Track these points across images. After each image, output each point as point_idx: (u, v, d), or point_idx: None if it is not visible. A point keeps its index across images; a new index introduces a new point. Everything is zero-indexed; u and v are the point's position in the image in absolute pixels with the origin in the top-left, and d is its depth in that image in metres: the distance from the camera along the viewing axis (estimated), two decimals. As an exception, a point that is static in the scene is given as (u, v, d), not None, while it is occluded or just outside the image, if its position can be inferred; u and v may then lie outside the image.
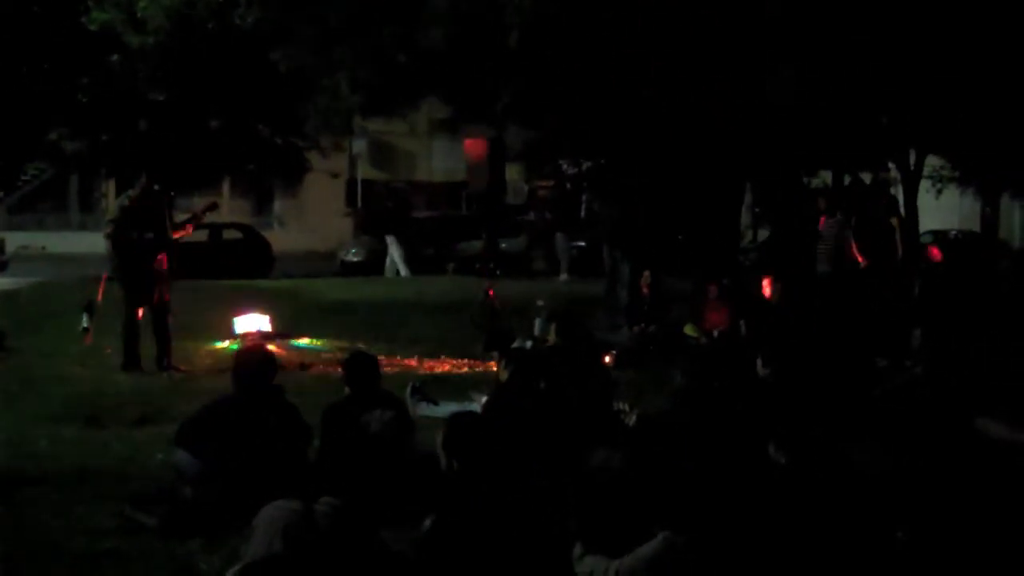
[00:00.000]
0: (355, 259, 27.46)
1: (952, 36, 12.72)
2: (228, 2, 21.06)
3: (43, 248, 32.47)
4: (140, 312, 10.75)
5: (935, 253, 18.20)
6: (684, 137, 14.12)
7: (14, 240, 27.74)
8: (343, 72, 14.99)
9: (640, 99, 13.22)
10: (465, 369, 11.30)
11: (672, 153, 14.58)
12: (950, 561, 4.72)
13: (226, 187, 33.33)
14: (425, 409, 8.65)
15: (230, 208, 32.55)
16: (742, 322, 11.98)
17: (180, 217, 11.47)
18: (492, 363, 10.12)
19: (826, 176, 23.95)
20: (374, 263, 25.26)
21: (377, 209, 33.82)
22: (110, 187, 33.00)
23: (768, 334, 10.83)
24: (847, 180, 22.63)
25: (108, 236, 10.88)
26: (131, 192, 10.97)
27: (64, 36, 22.19)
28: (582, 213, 26.99)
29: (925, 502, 5.13)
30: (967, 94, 13.99)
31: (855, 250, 13.42)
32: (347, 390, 6.70)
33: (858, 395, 7.19)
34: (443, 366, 11.44)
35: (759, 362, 7.27)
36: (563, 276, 22.84)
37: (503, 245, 25.76)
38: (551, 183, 31.20)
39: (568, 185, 27.98)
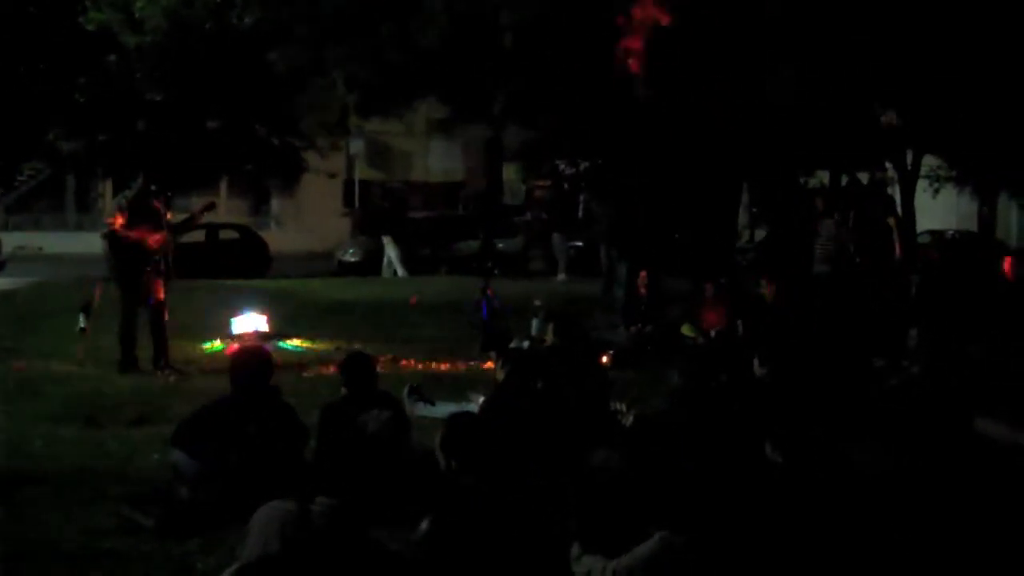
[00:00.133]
0: (352, 259, 27.43)
1: (950, 37, 12.74)
2: (225, 2, 21.09)
3: (40, 248, 32.38)
4: (137, 307, 10.74)
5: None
6: (683, 137, 14.13)
7: (11, 240, 27.68)
8: (338, 70, 15.00)
9: (638, 99, 13.23)
10: (463, 369, 11.29)
11: (670, 153, 14.59)
12: (949, 561, 4.73)
13: (223, 187, 33.34)
14: (422, 409, 8.64)
15: (227, 208, 32.49)
16: (739, 322, 11.98)
17: (178, 217, 11.45)
18: (489, 363, 10.14)
19: (823, 176, 23.98)
20: (371, 263, 25.24)
21: (374, 209, 33.82)
22: (107, 187, 32.98)
23: (765, 334, 10.84)
24: (844, 180, 22.65)
25: (105, 236, 10.87)
26: (128, 192, 10.96)
27: (61, 36, 22.21)
28: (579, 213, 26.99)
29: (923, 501, 5.14)
30: (965, 94, 14.02)
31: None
32: (344, 390, 6.70)
33: (855, 395, 7.20)
34: (440, 366, 11.42)
35: (756, 362, 7.28)
36: (560, 276, 22.83)
37: (500, 245, 25.76)
38: (548, 183, 31.23)
39: (565, 185, 28.02)
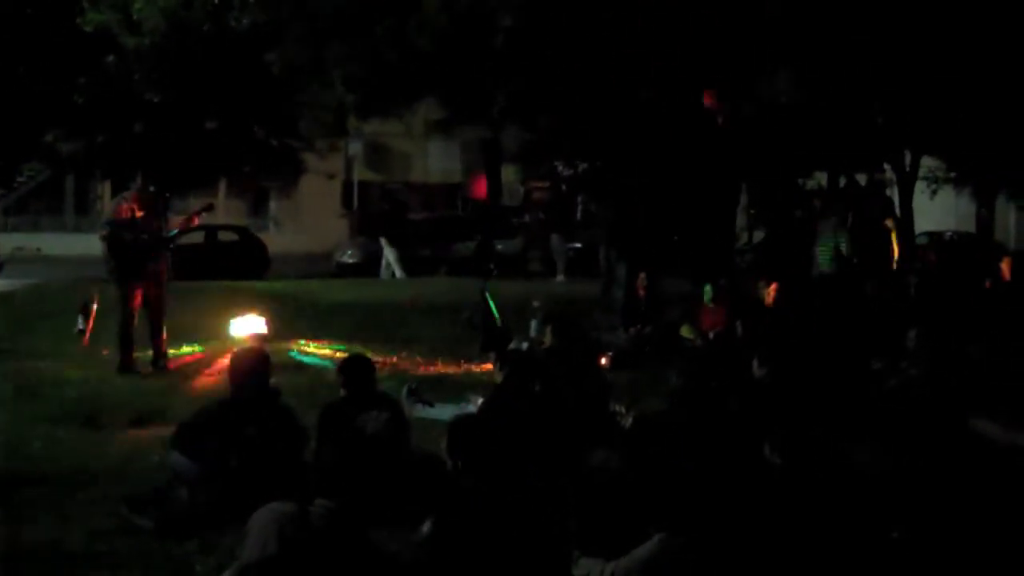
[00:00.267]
0: (351, 261, 27.40)
1: (949, 38, 12.75)
2: (224, 4, 21.09)
3: (38, 250, 32.35)
4: (136, 308, 10.73)
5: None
6: (682, 138, 14.13)
7: (9, 242, 27.70)
8: (337, 71, 15.00)
9: (638, 99, 13.24)
10: (462, 370, 11.28)
11: (669, 154, 14.59)
12: (947, 561, 4.73)
13: (222, 188, 33.29)
14: (421, 411, 8.64)
15: (226, 209, 32.54)
16: (738, 323, 11.97)
17: (176, 219, 11.47)
18: (488, 364, 10.13)
19: (821, 177, 23.97)
20: (370, 265, 25.22)
21: (373, 211, 33.81)
22: (106, 188, 32.95)
23: (764, 335, 10.83)
24: (842, 181, 22.63)
25: (104, 238, 10.86)
26: (127, 194, 10.95)
27: (60, 37, 22.20)
28: (578, 214, 26.99)
29: (921, 502, 5.14)
30: (963, 95, 14.02)
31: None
32: (343, 392, 6.70)
33: (854, 396, 7.20)
34: (440, 367, 11.42)
35: (755, 363, 7.27)
36: (559, 277, 22.82)
37: (499, 246, 25.75)
38: (547, 184, 31.22)
39: (564, 186, 28.00)
